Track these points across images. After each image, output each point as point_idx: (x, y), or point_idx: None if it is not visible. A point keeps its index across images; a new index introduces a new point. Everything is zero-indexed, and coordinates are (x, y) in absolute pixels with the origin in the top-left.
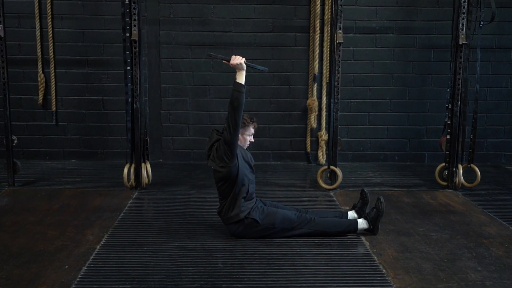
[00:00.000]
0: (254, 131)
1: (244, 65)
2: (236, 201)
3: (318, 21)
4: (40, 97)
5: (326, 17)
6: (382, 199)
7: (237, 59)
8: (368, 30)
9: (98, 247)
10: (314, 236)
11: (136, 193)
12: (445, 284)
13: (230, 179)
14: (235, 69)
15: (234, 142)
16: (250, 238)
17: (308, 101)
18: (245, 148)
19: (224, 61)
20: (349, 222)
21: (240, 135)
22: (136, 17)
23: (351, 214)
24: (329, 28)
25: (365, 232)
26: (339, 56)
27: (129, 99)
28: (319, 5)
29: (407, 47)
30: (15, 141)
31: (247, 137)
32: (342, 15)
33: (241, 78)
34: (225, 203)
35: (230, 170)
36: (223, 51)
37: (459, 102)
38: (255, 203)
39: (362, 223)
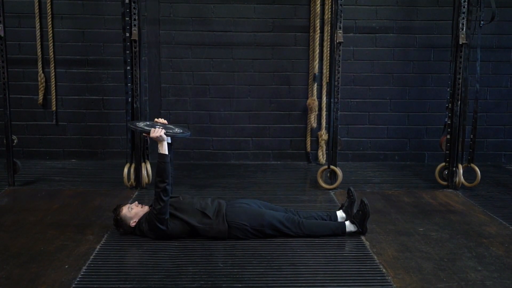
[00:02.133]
0: (127, 202)
1: (164, 136)
2: (206, 226)
3: (318, 20)
4: (40, 97)
5: (326, 17)
6: (365, 201)
7: (156, 132)
8: (368, 30)
9: (98, 246)
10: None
11: (136, 192)
12: (445, 284)
13: (182, 233)
14: (156, 141)
15: (166, 209)
16: (243, 239)
17: (308, 100)
18: (142, 215)
19: (143, 134)
20: (337, 225)
21: (132, 220)
22: (136, 17)
23: (340, 214)
24: (329, 28)
25: (354, 233)
26: (339, 56)
27: (129, 99)
28: (319, 5)
29: (407, 47)
30: (15, 141)
31: (134, 209)
32: (342, 14)
33: (163, 148)
34: (205, 235)
35: (173, 231)
36: (223, 51)
37: (459, 102)
38: (225, 207)
39: (349, 226)
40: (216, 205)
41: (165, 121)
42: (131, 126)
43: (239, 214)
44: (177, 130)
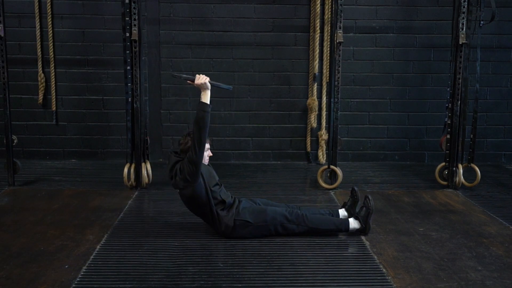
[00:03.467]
0: (210, 146)
1: (209, 84)
2: (218, 215)
3: (318, 20)
4: (40, 96)
5: (326, 17)
6: (370, 197)
7: (201, 79)
8: (368, 30)
9: (98, 246)
10: (307, 235)
11: (136, 192)
12: (445, 284)
13: (199, 198)
14: (199, 88)
15: (199, 161)
16: (245, 238)
17: (308, 100)
18: (206, 164)
19: (188, 81)
20: (340, 221)
21: None
22: (136, 17)
23: (342, 213)
24: (329, 28)
25: (356, 231)
26: (339, 56)
27: (129, 99)
28: (319, 5)
29: (407, 47)
30: (15, 141)
31: (205, 152)
32: (342, 14)
33: (206, 97)
34: (208, 221)
35: (195, 189)
36: (223, 50)
37: (459, 102)
38: (237, 204)
39: (353, 222)
40: (233, 200)
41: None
42: (175, 74)
43: (243, 212)
44: (219, 82)
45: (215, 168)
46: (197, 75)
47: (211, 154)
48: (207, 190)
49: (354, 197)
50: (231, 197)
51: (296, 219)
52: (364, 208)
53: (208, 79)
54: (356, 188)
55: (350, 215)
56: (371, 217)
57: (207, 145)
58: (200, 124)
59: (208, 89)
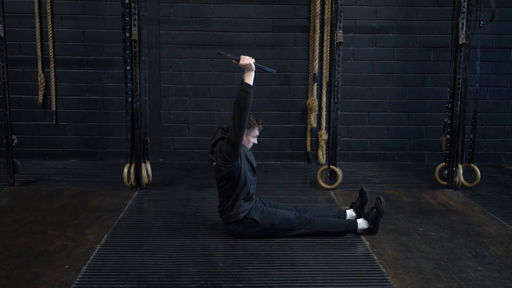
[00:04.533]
0: (259, 133)
1: (253, 65)
2: (236, 201)
3: (318, 20)
4: (40, 96)
5: (326, 17)
6: (382, 199)
7: (246, 59)
8: (368, 30)
9: (98, 246)
10: (313, 236)
11: (136, 192)
12: (445, 284)
13: (233, 179)
14: (243, 69)
15: (239, 142)
16: (249, 238)
17: (308, 100)
18: (248, 148)
19: (233, 60)
20: (348, 222)
21: (244, 136)
22: (136, 17)
23: (350, 213)
24: (329, 28)
25: (364, 232)
26: (339, 56)
27: (129, 99)
28: (319, 5)
29: (407, 47)
30: (15, 141)
31: (251, 138)
32: (342, 14)
33: (250, 78)
34: (225, 203)
35: (232, 170)
36: (223, 50)
37: (459, 102)
38: (255, 203)
39: (362, 223)
40: (255, 197)
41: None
42: (222, 52)
43: (255, 211)
44: (264, 66)
45: (211, 169)
46: (242, 56)
47: (255, 142)
48: (241, 173)
49: (363, 198)
50: (255, 195)
51: (303, 223)
52: (374, 209)
53: (253, 60)
54: (365, 189)
55: (358, 216)
56: (380, 218)
57: (257, 132)
58: (242, 104)
59: (252, 70)
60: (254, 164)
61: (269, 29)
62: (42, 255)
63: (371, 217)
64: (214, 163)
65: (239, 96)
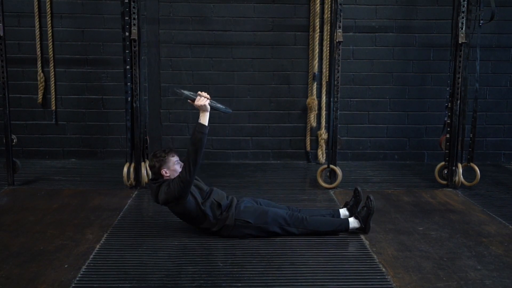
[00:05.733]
0: (177, 156)
1: (209, 106)
2: (217, 221)
3: (318, 20)
4: (40, 96)
5: (325, 16)
6: (372, 197)
7: (202, 100)
8: (367, 29)
9: (97, 246)
10: (306, 236)
11: (136, 192)
12: (444, 283)
13: (191, 213)
14: (198, 110)
15: (192, 180)
16: (244, 237)
17: (308, 100)
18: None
19: (189, 100)
20: (340, 221)
21: (167, 170)
22: (136, 16)
23: (343, 212)
24: (328, 27)
25: (356, 231)
26: (339, 55)
27: (129, 98)
28: (318, 4)
29: (406, 46)
30: (14, 140)
31: (176, 166)
32: (341, 14)
33: (205, 119)
34: (211, 229)
35: (185, 207)
36: (223, 50)
37: (458, 101)
38: (236, 203)
39: (353, 222)
40: (230, 200)
41: (208, 96)
42: (177, 91)
43: (245, 212)
44: (219, 105)
45: (214, 168)
46: (198, 96)
47: (181, 163)
48: (198, 204)
49: (357, 197)
50: (226, 197)
51: (296, 222)
52: (365, 208)
53: (208, 101)
54: (359, 189)
55: (351, 215)
56: (371, 217)
57: (174, 158)
58: (197, 145)
59: (207, 111)
60: (204, 188)
61: (268, 29)
62: (42, 254)
63: (361, 216)
64: (167, 206)
65: (194, 137)
